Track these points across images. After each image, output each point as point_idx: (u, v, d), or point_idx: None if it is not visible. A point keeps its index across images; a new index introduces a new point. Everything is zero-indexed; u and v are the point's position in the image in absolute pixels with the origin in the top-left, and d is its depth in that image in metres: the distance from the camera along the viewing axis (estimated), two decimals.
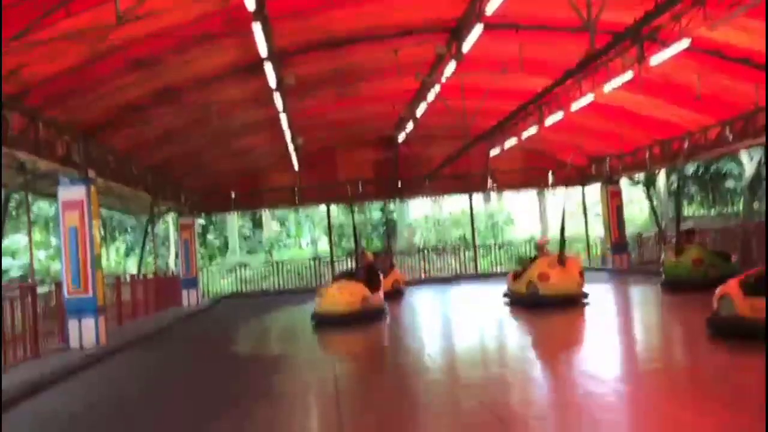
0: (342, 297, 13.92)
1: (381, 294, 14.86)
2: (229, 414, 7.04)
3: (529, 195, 34.56)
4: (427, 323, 14.56)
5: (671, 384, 7.07)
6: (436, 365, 9.34)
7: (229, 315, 19.56)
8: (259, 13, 8.89)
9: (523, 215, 38.83)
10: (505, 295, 15.23)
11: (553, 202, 38.47)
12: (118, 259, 34.47)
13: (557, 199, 20.47)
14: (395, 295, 18.60)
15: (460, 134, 18.08)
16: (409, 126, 20.22)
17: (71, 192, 12.56)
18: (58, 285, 12.86)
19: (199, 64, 12.35)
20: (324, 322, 13.70)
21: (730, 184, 30.80)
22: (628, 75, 13.31)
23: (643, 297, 16.06)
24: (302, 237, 38.76)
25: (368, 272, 15.05)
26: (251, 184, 24.75)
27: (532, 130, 18.76)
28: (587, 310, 13.25)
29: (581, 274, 13.92)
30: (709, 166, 29.68)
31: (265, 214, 35.36)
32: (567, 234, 14.67)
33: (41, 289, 12.82)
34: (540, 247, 15.22)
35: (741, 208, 28.62)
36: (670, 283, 15.03)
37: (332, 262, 26.03)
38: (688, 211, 32.12)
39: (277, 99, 13.47)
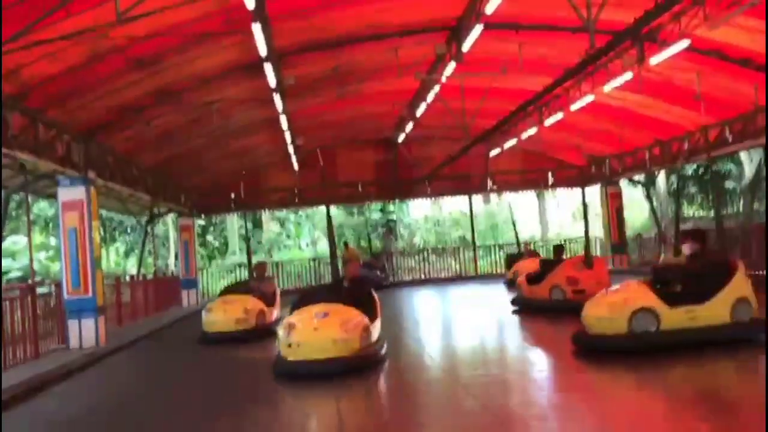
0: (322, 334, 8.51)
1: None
2: (228, 416, 7.02)
3: (529, 195, 34.54)
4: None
5: None
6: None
7: None
8: (259, 13, 8.90)
9: (522, 215, 38.76)
10: None
11: (552, 203, 38.50)
12: (118, 259, 34.42)
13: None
14: None
15: (459, 135, 18.07)
16: (409, 126, 20.21)
17: (71, 193, 12.55)
18: (58, 285, 12.82)
19: (199, 64, 12.35)
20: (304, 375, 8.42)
21: (729, 184, 30.73)
22: (628, 75, 13.31)
23: None
24: (302, 238, 38.66)
25: (356, 288, 9.57)
26: (251, 184, 24.69)
27: (532, 131, 18.75)
28: None
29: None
30: (709, 167, 29.59)
31: (265, 215, 35.28)
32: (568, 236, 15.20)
33: (41, 290, 12.79)
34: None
35: (741, 208, 28.56)
36: None
37: (332, 262, 25.82)
38: (688, 211, 32.06)
39: (277, 99, 13.47)
